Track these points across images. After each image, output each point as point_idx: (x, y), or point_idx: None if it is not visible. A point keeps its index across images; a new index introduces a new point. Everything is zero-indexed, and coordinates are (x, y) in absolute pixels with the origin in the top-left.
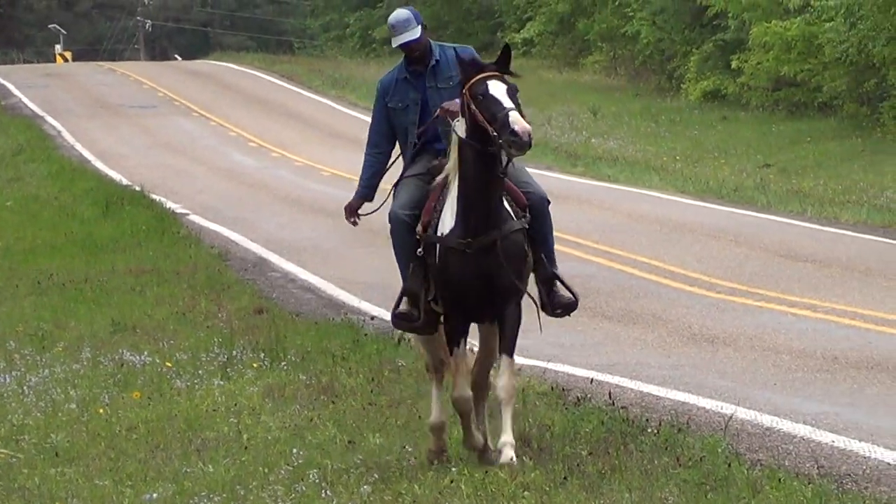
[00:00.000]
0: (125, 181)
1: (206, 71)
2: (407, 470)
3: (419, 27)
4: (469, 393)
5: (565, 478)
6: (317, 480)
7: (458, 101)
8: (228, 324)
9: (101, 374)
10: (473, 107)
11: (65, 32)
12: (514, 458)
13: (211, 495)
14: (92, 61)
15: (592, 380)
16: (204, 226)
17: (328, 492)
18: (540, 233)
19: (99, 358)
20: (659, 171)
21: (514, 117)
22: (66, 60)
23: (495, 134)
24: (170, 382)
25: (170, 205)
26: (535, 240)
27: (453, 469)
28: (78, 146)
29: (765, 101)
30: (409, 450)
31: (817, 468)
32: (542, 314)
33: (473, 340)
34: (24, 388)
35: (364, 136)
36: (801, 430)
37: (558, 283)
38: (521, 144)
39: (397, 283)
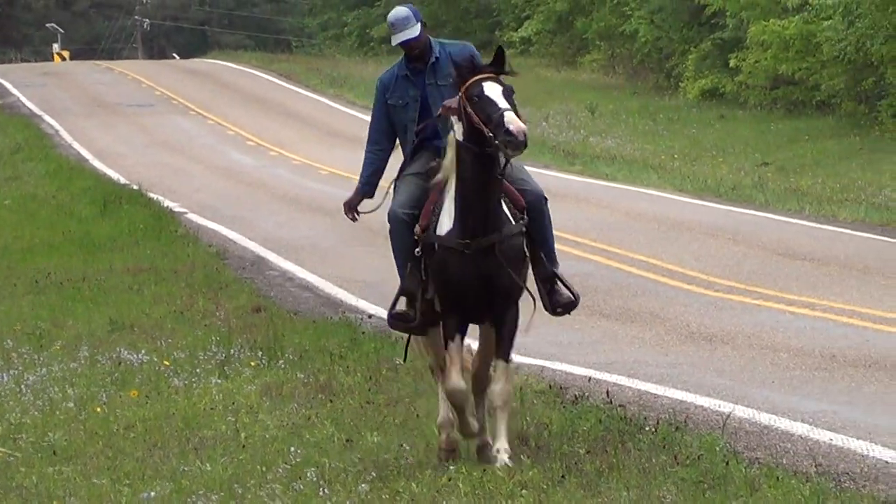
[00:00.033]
0: (123, 180)
1: (203, 70)
2: (405, 468)
3: (418, 25)
4: (462, 384)
5: (563, 476)
6: (314, 479)
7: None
8: (226, 322)
9: (99, 372)
10: (469, 109)
11: (62, 31)
12: (510, 463)
13: (209, 494)
14: (89, 60)
15: (590, 378)
16: (202, 224)
17: (326, 490)
18: (539, 232)
19: (97, 356)
20: (657, 170)
21: (510, 117)
22: (63, 59)
23: (491, 135)
24: (167, 381)
25: (167, 203)
26: (534, 239)
27: (451, 468)
28: (76, 145)
29: (763, 100)
30: (407, 448)
31: (815, 466)
32: (542, 313)
33: (471, 340)
34: (22, 386)
35: (362, 134)
36: (799, 428)
37: (559, 282)
38: (517, 144)
39: (395, 281)
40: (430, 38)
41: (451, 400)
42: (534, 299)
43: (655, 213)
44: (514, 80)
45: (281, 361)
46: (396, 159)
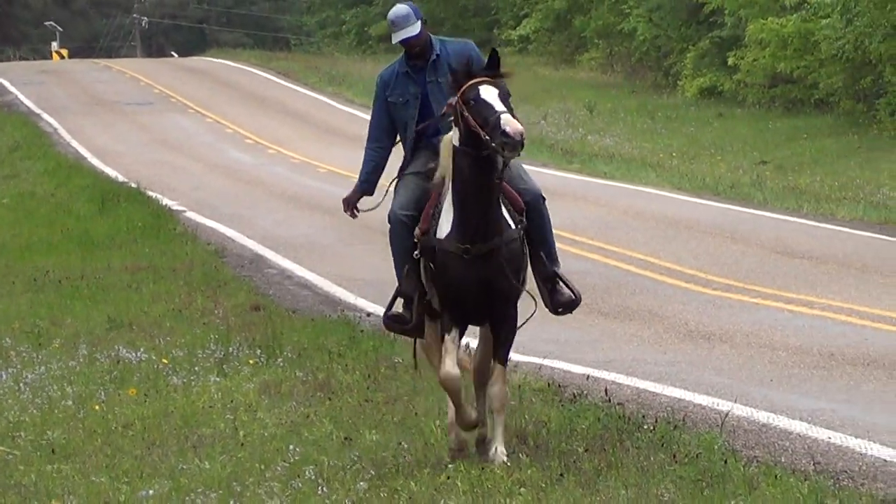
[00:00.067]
0: (121, 178)
1: (202, 68)
2: (403, 466)
3: (419, 22)
4: (456, 371)
5: (561, 474)
6: (313, 477)
7: None
8: (225, 320)
9: (98, 370)
10: (466, 112)
11: (61, 30)
12: (507, 460)
13: (207, 492)
14: (88, 58)
15: (589, 376)
16: (200, 222)
17: (324, 488)
18: (538, 232)
19: (95, 355)
20: (655, 168)
21: (506, 119)
22: (62, 57)
23: (487, 138)
24: (166, 379)
25: (166, 202)
26: (534, 239)
27: (450, 466)
28: (74, 143)
29: (761, 98)
30: (406, 446)
31: (814, 465)
32: (542, 312)
33: (470, 339)
34: (21, 384)
35: (361, 132)
36: (798, 426)
37: (560, 282)
38: (514, 145)
39: (393, 280)
40: (431, 35)
41: (445, 387)
42: (535, 301)
43: (654, 211)
44: (513, 78)
45: (279, 360)
46: (397, 158)
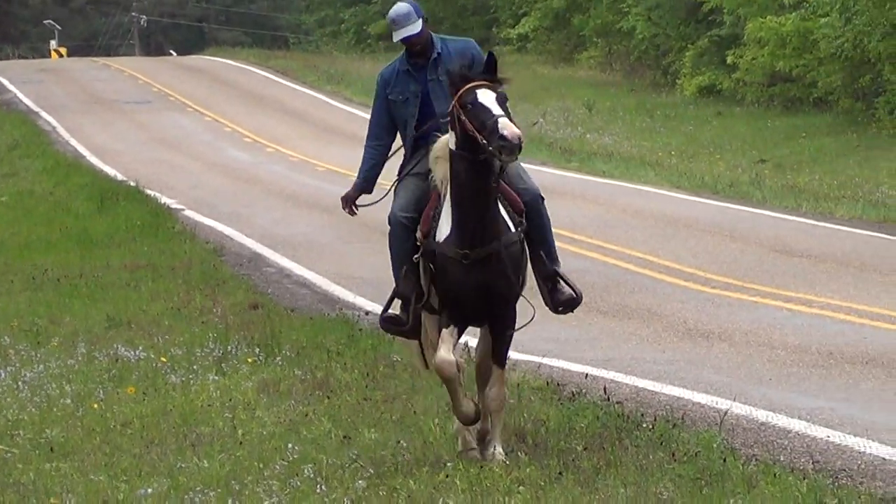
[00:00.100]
0: (120, 176)
1: (201, 66)
2: (402, 465)
3: (420, 20)
4: (451, 357)
5: (560, 473)
6: (311, 475)
7: None
8: (223, 319)
9: (96, 369)
10: (463, 116)
11: (59, 28)
12: (505, 459)
13: (206, 490)
14: (87, 57)
15: (587, 375)
16: (199, 221)
17: (323, 487)
18: (538, 232)
19: (94, 353)
20: (654, 167)
21: (504, 123)
22: (60, 56)
23: (485, 142)
24: (164, 377)
25: (165, 200)
26: (534, 239)
27: (448, 464)
28: (73, 142)
29: (760, 97)
30: (405, 445)
31: (812, 463)
32: (543, 311)
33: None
34: (19, 383)
35: (359, 131)
36: (797, 425)
37: (560, 281)
38: (511, 149)
39: (391, 278)
40: (432, 34)
41: (440, 373)
42: (533, 307)
43: (652, 209)
44: (512, 76)
45: (278, 358)
46: (396, 156)
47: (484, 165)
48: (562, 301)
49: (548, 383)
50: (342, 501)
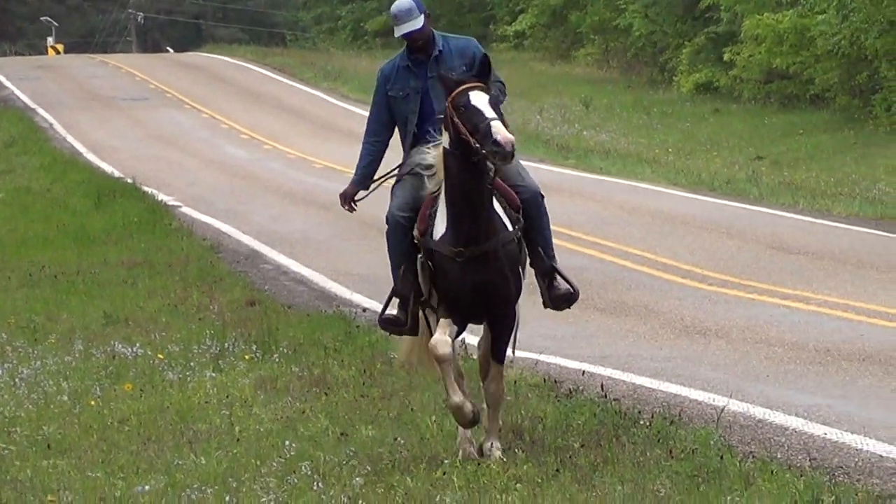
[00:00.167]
0: (117, 173)
1: (198, 63)
2: (399, 462)
3: (422, 16)
4: (447, 339)
5: (557, 470)
6: (309, 472)
7: None
8: (220, 316)
9: (93, 366)
10: (456, 118)
11: (56, 25)
12: (502, 456)
13: (203, 487)
14: (84, 54)
15: (584, 372)
16: (196, 218)
17: (320, 484)
18: (536, 229)
19: (91, 350)
20: (651, 164)
21: (497, 127)
22: (57, 53)
23: (477, 145)
24: (162, 374)
25: (162, 197)
26: (532, 236)
27: (446, 461)
28: (70, 138)
29: (757, 94)
30: (402, 442)
31: (809, 460)
32: (539, 307)
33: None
34: (16, 380)
35: (356, 128)
36: (794, 422)
37: (558, 276)
38: (504, 155)
39: (389, 275)
40: (434, 31)
41: (434, 354)
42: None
43: (649, 207)
44: (509, 74)
45: (275, 355)
46: (395, 155)
47: (477, 166)
48: (559, 297)
49: (545, 380)
50: (339, 498)
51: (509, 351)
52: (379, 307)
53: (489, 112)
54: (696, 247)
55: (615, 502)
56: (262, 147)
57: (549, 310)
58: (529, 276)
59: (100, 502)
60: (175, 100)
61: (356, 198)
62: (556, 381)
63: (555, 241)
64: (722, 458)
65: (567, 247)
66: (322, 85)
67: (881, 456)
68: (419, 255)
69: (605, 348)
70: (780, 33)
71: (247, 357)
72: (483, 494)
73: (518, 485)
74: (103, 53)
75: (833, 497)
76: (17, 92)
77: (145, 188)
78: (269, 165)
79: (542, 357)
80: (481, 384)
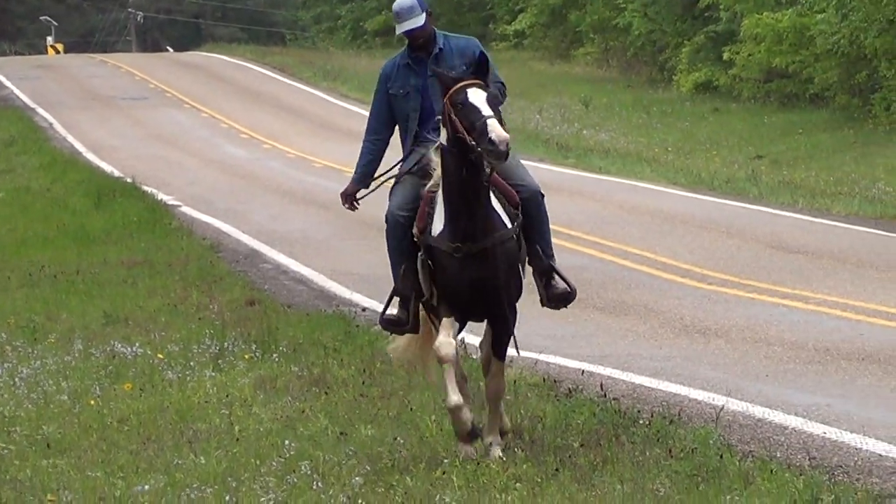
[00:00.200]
0: (117, 173)
1: (197, 62)
2: (399, 462)
3: (424, 14)
4: (451, 342)
5: (557, 469)
6: (308, 472)
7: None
8: (220, 315)
9: (93, 365)
10: (453, 115)
11: (56, 24)
12: (501, 455)
13: (203, 487)
14: (84, 53)
15: (584, 371)
16: (196, 217)
17: (319, 483)
18: (535, 227)
19: (90, 350)
20: (650, 163)
21: (492, 125)
22: (57, 52)
23: (473, 143)
24: (161, 374)
25: (161, 196)
26: (531, 234)
27: (445, 461)
28: (70, 138)
29: (756, 93)
30: (401, 441)
31: (809, 459)
32: (538, 305)
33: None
34: (16, 379)
35: (356, 127)
36: (793, 421)
37: (555, 276)
38: (499, 154)
39: (389, 276)
40: (436, 29)
41: (438, 355)
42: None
43: (649, 206)
44: (508, 73)
45: (275, 354)
46: (394, 153)
47: (474, 163)
48: (556, 295)
49: (544, 380)
50: (339, 498)
51: (512, 350)
52: (379, 307)
53: (486, 110)
54: (696, 246)
55: (615, 502)
56: (261, 146)
57: (548, 309)
58: (527, 275)
59: (99, 502)
60: (175, 99)
61: (358, 196)
62: (555, 381)
63: (554, 240)
64: (721, 457)
65: (567, 246)
66: (321, 84)
67: (880, 455)
68: (419, 254)
69: (605, 348)
70: (780, 32)
71: (246, 356)
72: (482, 494)
73: (517, 484)
74: (103, 53)
75: (832, 496)
76: (17, 91)
77: (145, 188)
78: (269, 165)
79: (542, 356)
80: (485, 379)
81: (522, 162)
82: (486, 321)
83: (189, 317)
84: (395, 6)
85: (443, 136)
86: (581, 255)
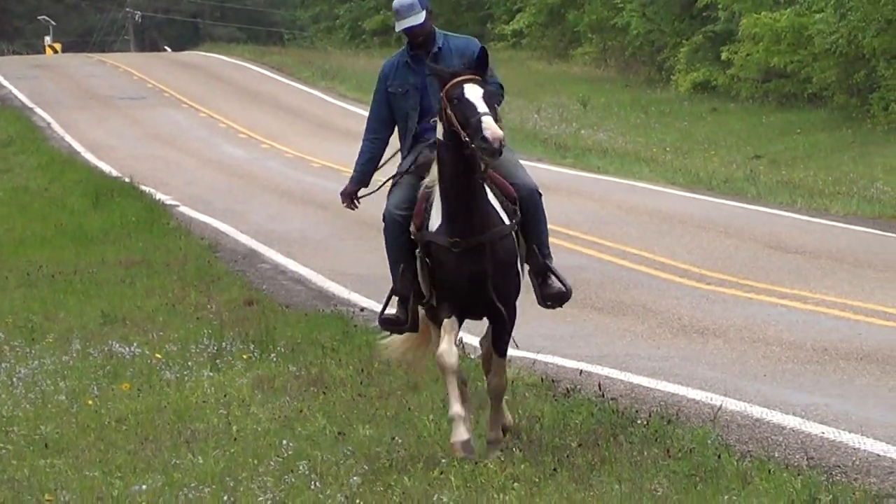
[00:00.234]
0: (115, 172)
1: (196, 62)
2: (397, 461)
3: (424, 12)
4: (454, 349)
5: (555, 469)
6: (306, 472)
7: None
8: (218, 315)
9: (91, 365)
10: (449, 110)
11: (54, 24)
12: (499, 452)
13: (200, 487)
14: (82, 53)
15: (582, 371)
16: (194, 217)
17: (317, 483)
18: (532, 226)
19: (88, 349)
20: (649, 163)
21: (487, 122)
22: (55, 52)
23: (467, 139)
24: (159, 374)
25: (159, 196)
26: (528, 233)
27: (443, 461)
28: (67, 137)
29: (755, 93)
30: (399, 441)
31: (807, 459)
32: (535, 305)
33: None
34: (14, 379)
35: (354, 127)
36: (791, 421)
37: (551, 275)
38: (492, 151)
39: (387, 276)
40: (436, 28)
41: (441, 364)
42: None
43: (647, 206)
44: (506, 73)
45: (273, 354)
46: (393, 151)
47: (469, 158)
48: (551, 295)
49: (542, 380)
50: (336, 498)
51: (511, 349)
52: (377, 306)
53: (481, 106)
54: (694, 246)
55: (612, 502)
56: (259, 146)
57: (546, 309)
58: (525, 274)
59: (97, 502)
60: (173, 99)
61: (359, 194)
62: (553, 381)
63: (552, 240)
64: (719, 457)
65: (565, 246)
66: (320, 84)
67: (878, 455)
68: (416, 251)
69: (603, 348)
70: (778, 32)
71: (244, 356)
72: (480, 494)
73: (515, 484)
74: (101, 52)
75: (830, 496)
76: (15, 91)
77: (143, 187)
78: (267, 164)
79: (540, 356)
80: (485, 377)
81: (520, 162)
82: (481, 318)
83: (187, 317)
84: (395, 3)
85: (439, 131)
86: (579, 254)
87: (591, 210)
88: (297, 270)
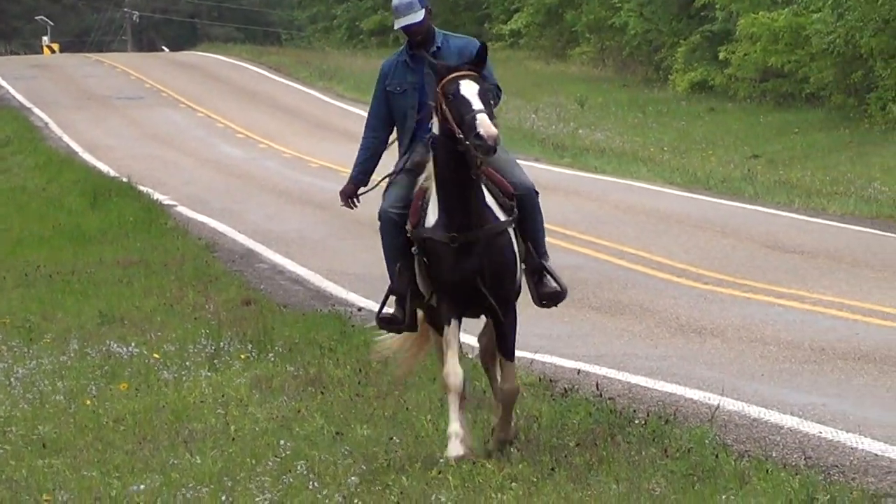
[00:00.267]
0: (113, 172)
1: (193, 62)
2: (394, 461)
3: (423, 10)
4: (460, 370)
5: (553, 469)
6: (304, 472)
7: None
8: (216, 315)
9: (89, 365)
10: (444, 106)
11: (52, 24)
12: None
13: (198, 487)
14: (79, 53)
15: (579, 371)
16: (191, 217)
17: (315, 483)
18: (529, 226)
19: (86, 349)
20: (646, 162)
21: (482, 120)
22: (53, 52)
23: (461, 136)
24: (157, 374)
25: (157, 196)
26: (525, 232)
27: (441, 461)
28: (65, 137)
29: (752, 92)
30: (397, 441)
31: (805, 459)
32: (532, 305)
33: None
34: (12, 379)
35: (352, 127)
36: (789, 421)
37: (547, 275)
38: (486, 149)
39: (384, 276)
40: (436, 28)
41: (445, 383)
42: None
43: (645, 205)
44: (504, 73)
45: (271, 354)
46: (393, 151)
47: (464, 155)
48: (546, 294)
49: (540, 379)
50: (334, 498)
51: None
52: (374, 306)
53: (477, 104)
54: (692, 245)
55: (610, 501)
56: (257, 146)
57: (543, 309)
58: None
59: (95, 502)
60: (170, 99)
61: (359, 192)
62: (551, 381)
63: (550, 239)
64: (717, 456)
65: (562, 246)
66: (317, 84)
67: (876, 455)
68: (413, 249)
69: (601, 347)
70: (776, 32)
71: (242, 356)
72: (478, 493)
73: (513, 484)
74: (99, 52)
75: (828, 496)
76: (13, 91)
77: (141, 187)
78: (265, 164)
79: (538, 356)
80: (485, 374)
81: (518, 161)
82: (479, 317)
83: (185, 317)
84: (393, 1)
85: (434, 126)
86: (577, 254)
87: (589, 210)
88: (294, 270)
